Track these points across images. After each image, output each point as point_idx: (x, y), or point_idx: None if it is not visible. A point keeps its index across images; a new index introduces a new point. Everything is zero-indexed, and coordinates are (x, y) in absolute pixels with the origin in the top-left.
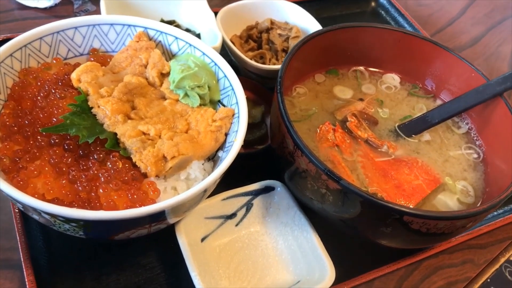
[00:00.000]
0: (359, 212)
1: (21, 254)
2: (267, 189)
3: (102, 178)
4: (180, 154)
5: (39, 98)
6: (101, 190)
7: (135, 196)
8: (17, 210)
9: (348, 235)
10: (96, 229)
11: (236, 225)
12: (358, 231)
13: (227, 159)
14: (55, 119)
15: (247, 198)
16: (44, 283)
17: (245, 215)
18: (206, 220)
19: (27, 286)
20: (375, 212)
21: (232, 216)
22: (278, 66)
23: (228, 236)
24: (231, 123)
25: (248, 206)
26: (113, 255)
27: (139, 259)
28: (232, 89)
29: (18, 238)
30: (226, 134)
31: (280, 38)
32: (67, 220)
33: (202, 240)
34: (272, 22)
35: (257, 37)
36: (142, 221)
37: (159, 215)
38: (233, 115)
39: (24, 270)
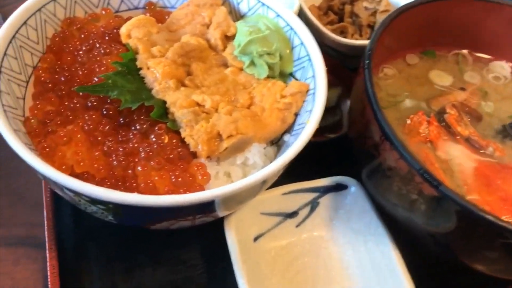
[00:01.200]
0: (456, 227)
1: (46, 233)
2: (338, 187)
3: (143, 154)
4: (238, 133)
5: (81, 52)
6: (139, 168)
7: (180, 179)
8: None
9: (436, 254)
10: (128, 215)
11: (297, 226)
12: (450, 250)
13: (296, 145)
14: (96, 79)
15: (313, 195)
16: (67, 270)
17: (308, 215)
18: (262, 216)
19: (48, 271)
20: (480, 230)
21: (293, 214)
22: (364, 42)
23: (286, 238)
24: (304, 101)
25: (314, 204)
26: (150, 244)
27: (179, 252)
28: (309, 59)
29: (45, 214)
30: (295, 115)
31: (366, 11)
32: (93, 201)
33: (255, 239)
34: None
35: (339, 9)
36: (186, 211)
37: (207, 206)
38: (307, 91)
39: (47, 252)
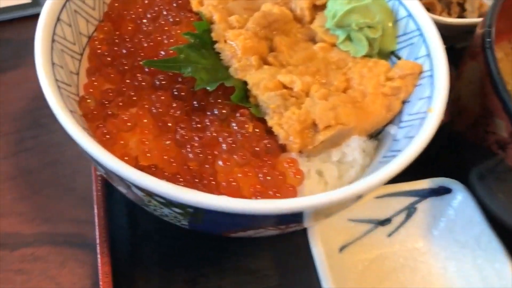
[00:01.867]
0: None
1: (97, 234)
2: (440, 191)
3: (224, 145)
4: (338, 124)
5: (144, 20)
6: (220, 162)
7: (268, 178)
8: (98, 173)
9: None
10: (210, 221)
11: (389, 235)
12: None
13: (419, 141)
14: (163, 52)
15: (411, 199)
16: (122, 278)
17: (403, 223)
18: (349, 223)
19: (100, 279)
20: None
21: (385, 222)
22: (468, 20)
23: (376, 249)
24: (415, 85)
25: (410, 211)
26: (216, 252)
27: (249, 261)
28: (421, 34)
29: (96, 211)
30: (403, 102)
31: None
32: (169, 203)
33: (341, 249)
34: None
35: None
36: (277, 219)
37: (299, 215)
38: (420, 73)
39: (99, 257)
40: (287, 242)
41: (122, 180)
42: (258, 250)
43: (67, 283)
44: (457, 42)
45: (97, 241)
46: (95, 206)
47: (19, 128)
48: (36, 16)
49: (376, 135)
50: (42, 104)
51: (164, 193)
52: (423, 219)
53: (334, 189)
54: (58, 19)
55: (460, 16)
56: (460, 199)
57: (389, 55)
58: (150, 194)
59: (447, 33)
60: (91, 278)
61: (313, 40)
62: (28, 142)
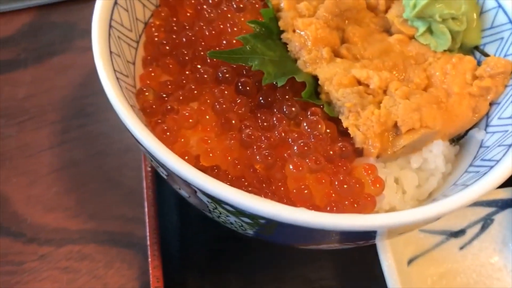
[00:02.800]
0: None
1: (147, 235)
2: None
3: (296, 147)
4: (422, 127)
5: (205, 6)
6: (291, 167)
7: (345, 186)
8: (149, 169)
9: None
10: (281, 233)
11: (461, 248)
12: None
13: None
14: (225, 42)
15: (487, 210)
16: (171, 282)
17: (477, 236)
18: (420, 234)
19: (151, 284)
20: None
21: (458, 233)
22: None
23: (447, 263)
24: (506, 85)
25: (486, 222)
26: (271, 257)
27: (308, 270)
28: None
29: (146, 210)
30: (490, 104)
31: None
32: (241, 213)
33: (410, 262)
34: None
35: None
36: (357, 236)
37: (374, 234)
38: None
39: (150, 259)
40: (350, 251)
41: (188, 185)
42: (318, 258)
43: (115, 284)
44: None
45: (148, 242)
46: (145, 205)
47: (65, 117)
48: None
49: (458, 139)
50: (88, 92)
51: (236, 202)
52: (500, 232)
53: (413, 200)
54: (116, 3)
55: None
56: None
57: (471, 50)
58: (218, 201)
59: None
60: (140, 280)
61: (388, 31)
62: (74, 132)
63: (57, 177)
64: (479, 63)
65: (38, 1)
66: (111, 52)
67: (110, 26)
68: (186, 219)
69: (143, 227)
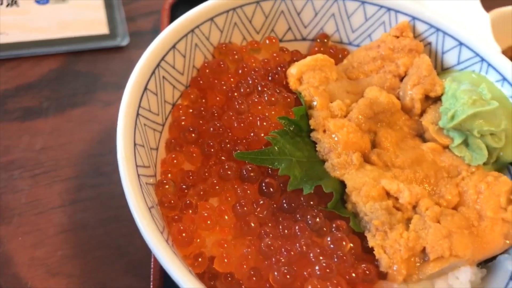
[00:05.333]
0: None
1: None
2: None
3: (317, 267)
4: (452, 255)
5: (236, 94)
6: None
7: None
8: None
9: None
10: None
11: None
12: None
13: None
14: (252, 134)
15: None
16: None
17: None
18: None
19: None
20: None
21: None
22: None
23: None
24: None
25: None
26: None
27: None
28: None
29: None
30: None
31: None
32: None
33: None
34: None
35: None
36: None
37: None
38: None
39: None
40: None
41: None
42: None
43: None
44: None
45: None
46: (151, 279)
47: (79, 174)
48: (110, 49)
49: (485, 262)
50: (106, 150)
51: None
52: None
53: None
54: (145, 89)
55: None
56: None
57: (507, 166)
58: None
59: None
60: None
61: (421, 136)
62: (87, 191)
63: (64, 239)
64: None
65: (65, 48)
66: (135, 144)
67: (138, 115)
68: None
69: None
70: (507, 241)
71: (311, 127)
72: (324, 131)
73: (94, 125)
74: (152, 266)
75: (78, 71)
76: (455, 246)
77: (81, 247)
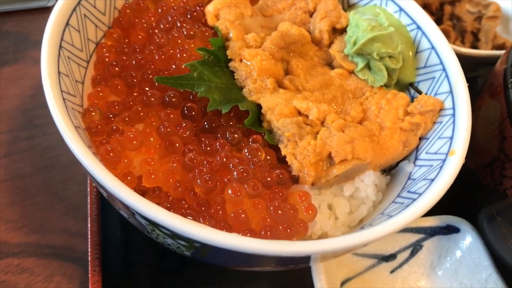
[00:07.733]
0: None
1: (89, 250)
2: (448, 230)
3: (235, 173)
4: (354, 158)
5: (157, 31)
6: (230, 192)
7: (279, 212)
8: (94, 185)
9: None
10: (215, 256)
11: (392, 271)
12: None
13: (439, 187)
14: (174, 66)
15: (417, 236)
16: None
17: (407, 260)
18: (353, 257)
19: None
20: None
21: (390, 258)
22: (485, 52)
23: (377, 286)
24: (434, 122)
25: (416, 248)
26: (212, 275)
27: None
28: (444, 69)
29: (89, 225)
30: (420, 138)
31: (470, 15)
32: (177, 236)
33: (342, 284)
34: None
35: (436, 9)
36: (287, 260)
37: (306, 258)
38: (441, 110)
39: (90, 274)
40: (289, 272)
41: (126, 207)
42: (258, 278)
43: None
44: (467, 72)
45: (89, 258)
46: (89, 220)
47: (13, 128)
48: (38, 10)
49: (389, 170)
50: (38, 103)
51: (171, 227)
52: (428, 257)
53: (344, 226)
54: (67, 24)
55: (473, 45)
56: (468, 240)
57: (407, 86)
58: (155, 224)
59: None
60: None
61: (329, 64)
62: (22, 143)
63: (2, 189)
64: (413, 100)
65: None
66: (59, 72)
67: (61, 47)
68: (129, 236)
69: (86, 242)
70: (406, 148)
71: (228, 57)
72: (241, 60)
73: (26, 81)
74: (88, 207)
75: (7, 31)
76: (357, 150)
77: (19, 194)
